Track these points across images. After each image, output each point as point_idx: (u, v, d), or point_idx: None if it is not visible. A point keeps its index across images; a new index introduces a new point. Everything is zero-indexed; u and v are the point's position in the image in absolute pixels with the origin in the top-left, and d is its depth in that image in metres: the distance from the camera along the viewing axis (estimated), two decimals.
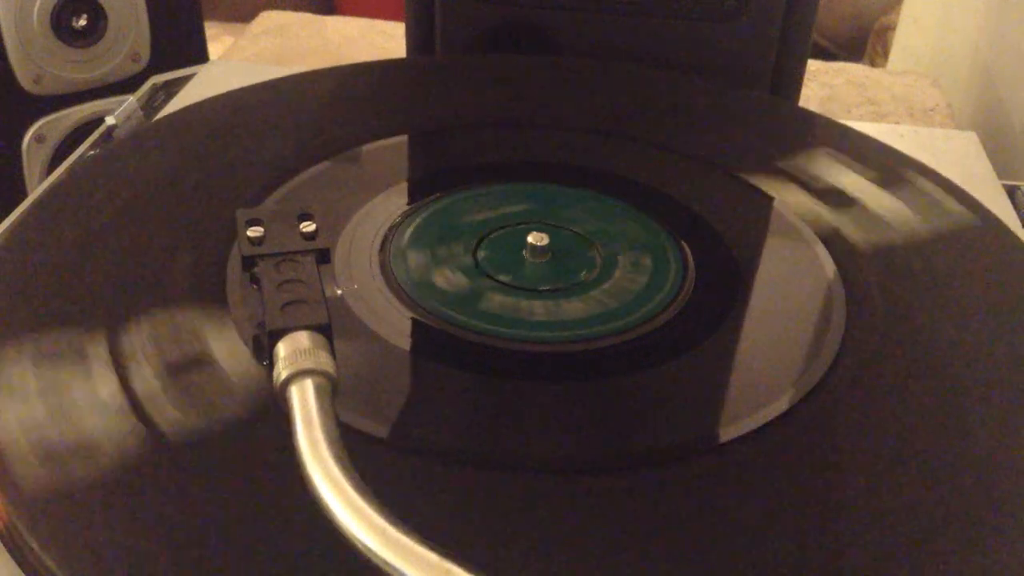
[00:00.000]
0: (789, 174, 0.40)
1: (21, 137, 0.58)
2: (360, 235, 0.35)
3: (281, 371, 0.25)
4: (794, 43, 0.48)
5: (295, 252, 0.29)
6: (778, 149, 0.42)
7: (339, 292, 0.32)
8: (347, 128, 0.42)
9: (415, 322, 0.31)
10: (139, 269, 0.32)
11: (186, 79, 0.51)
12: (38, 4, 0.55)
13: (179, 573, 0.22)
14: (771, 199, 0.38)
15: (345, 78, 0.46)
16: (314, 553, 0.23)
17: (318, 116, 0.43)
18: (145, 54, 0.61)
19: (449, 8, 0.49)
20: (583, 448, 0.27)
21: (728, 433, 0.27)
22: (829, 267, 0.34)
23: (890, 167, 0.41)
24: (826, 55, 1.53)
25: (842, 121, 0.45)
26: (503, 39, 0.49)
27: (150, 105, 0.50)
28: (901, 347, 0.31)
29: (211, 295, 0.31)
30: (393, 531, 0.21)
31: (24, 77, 0.56)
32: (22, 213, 0.39)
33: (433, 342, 0.31)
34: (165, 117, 0.44)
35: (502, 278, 0.33)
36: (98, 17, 0.58)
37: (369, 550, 0.21)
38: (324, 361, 0.25)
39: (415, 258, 0.34)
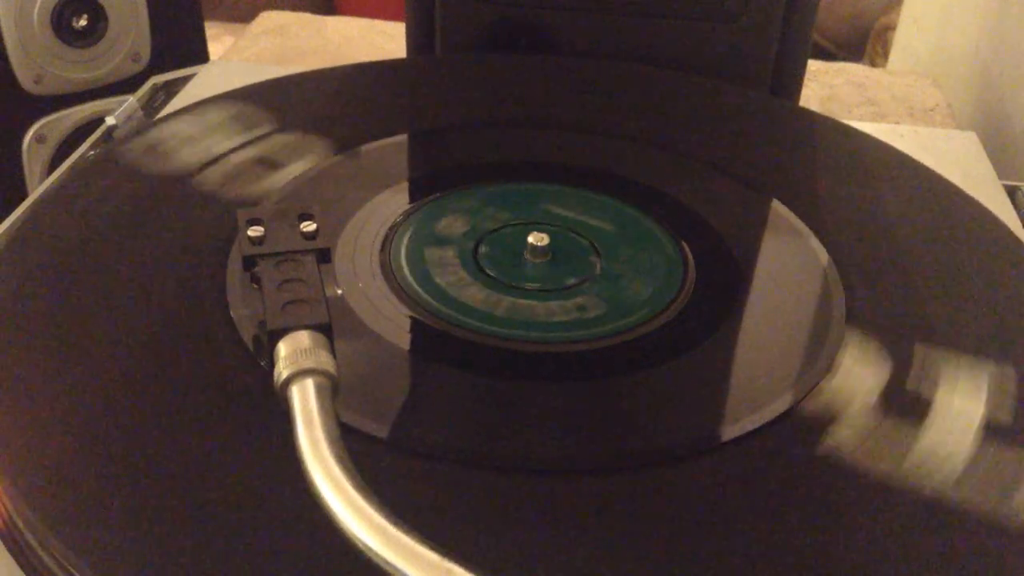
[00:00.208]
0: (789, 174, 0.40)
1: (21, 137, 0.58)
2: (361, 235, 0.35)
3: (282, 371, 0.25)
4: (794, 43, 0.48)
5: (295, 252, 0.29)
6: (778, 149, 0.42)
7: (339, 291, 0.32)
8: (347, 128, 0.42)
9: (415, 322, 0.31)
10: (139, 269, 0.32)
11: (186, 79, 0.51)
12: (38, 4, 0.55)
13: (179, 573, 0.22)
14: (771, 199, 0.38)
15: (345, 78, 0.46)
16: (314, 553, 0.23)
17: (318, 116, 0.43)
18: (145, 54, 0.61)
19: (449, 8, 0.49)
20: (583, 448, 0.27)
21: (728, 433, 0.27)
22: (829, 267, 0.34)
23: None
24: (826, 55, 1.53)
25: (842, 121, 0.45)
26: (503, 39, 0.49)
27: (150, 105, 0.50)
28: (901, 347, 0.31)
29: (211, 295, 0.31)
30: (393, 531, 0.21)
31: (24, 77, 0.56)
32: (22, 213, 0.39)
33: (433, 342, 0.31)
34: (165, 117, 0.44)
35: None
36: (98, 17, 0.58)
37: (370, 550, 0.21)
38: (325, 361, 0.25)
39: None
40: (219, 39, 1.41)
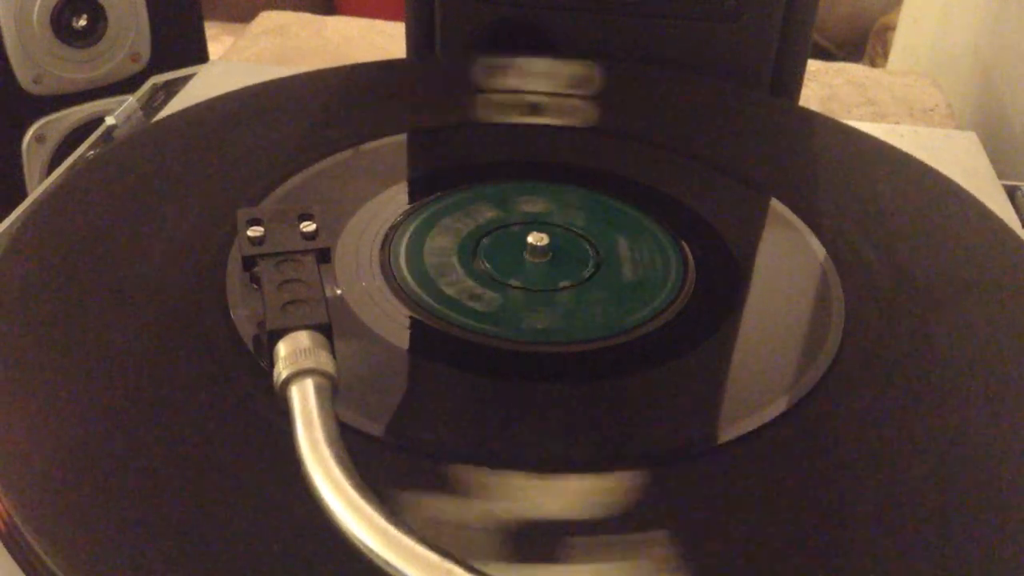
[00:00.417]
0: (789, 174, 0.40)
1: (21, 137, 0.58)
2: (361, 235, 0.35)
3: (281, 371, 0.25)
4: (794, 43, 0.48)
5: (295, 252, 0.29)
6: (778, 149, 0.42)
7: (339, 292, 0.32)
8: (347, 128, 0.42)
9: (415, 322, 0.31)
10: (139, 269, 0.32)
11: (186, 79, 0.51)
12: (38, 4, 0.55)
13: (179, 573, 0.22)
14: (771, 199, 0.38)
15: (345, 78, 0.46)
16: (314, 553, 0.23)
17: (318, 116, 0.43)
18: (145, 54, 0.60)
19: (449, 8, 0.49)
20: (583, 448, 0.27)
21: (728, 433, 0.27)
22: (829, 267, 0.34)
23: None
24: (826, 55, 1.53)
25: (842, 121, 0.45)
26: (503, 39, 0.49)
27: (150, 105, 0.50)
28: (901, 347, 0.31)
29: (211, 295, 0.31)
30: (393, 531, 0.21)
31: (24, 77, 0.56)
32: (22, 213, 0.39)
33: (433, 342, 0.31)
34: (165, 117, 0.44)
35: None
36: (98, 17, 0.58)
37: (370, 550, 0.21)
38: (324, 361, 0.25)
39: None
40: (219, 39, 1.41)
